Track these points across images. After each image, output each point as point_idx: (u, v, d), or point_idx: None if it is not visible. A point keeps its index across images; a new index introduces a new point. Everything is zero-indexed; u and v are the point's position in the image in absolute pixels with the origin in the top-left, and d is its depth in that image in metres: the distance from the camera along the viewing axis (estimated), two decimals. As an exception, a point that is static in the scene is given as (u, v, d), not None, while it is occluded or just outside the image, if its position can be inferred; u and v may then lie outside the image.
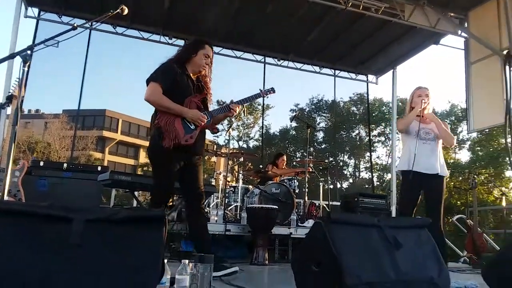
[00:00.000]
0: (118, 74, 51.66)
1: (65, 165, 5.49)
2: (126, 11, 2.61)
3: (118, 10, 2.55)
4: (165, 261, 1.74)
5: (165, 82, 2.87)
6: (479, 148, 18.59)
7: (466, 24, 7.19)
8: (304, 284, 1.91)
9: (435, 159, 3.45)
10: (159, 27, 7.98)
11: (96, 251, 1.46)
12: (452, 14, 7.16)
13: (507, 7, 5.82)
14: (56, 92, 40.59)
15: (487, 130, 13.14)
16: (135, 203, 6.87)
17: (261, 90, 3.33)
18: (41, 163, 5.37)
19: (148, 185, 4.93)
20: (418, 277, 1.80)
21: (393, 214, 7.81)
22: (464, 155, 18.31)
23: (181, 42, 8.33)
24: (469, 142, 18.81)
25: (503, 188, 16.00)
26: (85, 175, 5.45)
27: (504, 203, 6.81)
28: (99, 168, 5.87)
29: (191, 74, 3.08)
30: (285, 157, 7.23)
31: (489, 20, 6.75)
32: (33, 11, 7.30)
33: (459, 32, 7.25)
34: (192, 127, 2.91)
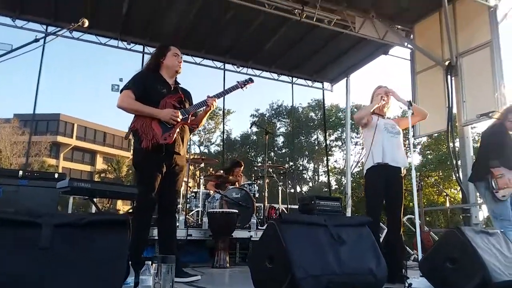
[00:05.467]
0: (73, 78, 50.21)
1: (20, 172, 5.36)
2: (86, 24, 2.65)
3: (79, 23, 2.58)
4: (129, 263, 1.85)
5: (137, 89, 2.95)
6: (429, 152, 19.67)
7: (412, 37, 7.74)
8: (259, 279, 2.09)
9: (402, 153, 3.52)
10: (116, 32, 7.95)
11: (63, 254, 1.56)
12: (399, 27, 7.69)
13: (448, 21, 6.33)
14: (6, 96, 38.75)
15: (435, 134, 13.97)
16: (93, 211, 6.79)
17: (238, 82, 3.23)
18: (-5, 171, 5.22)
19: (107, 192, 4.93)
20: (359, 269, 2.03)
21: (348, 215, 8.21)
22: (415, 158, 19.35)
23: (139, 48, 8.35)
24: (419, 146, 19.86)
25: (452, 190, 17.04)
26: (42, 183, 5.32)
27: (447, 204, 7.34)
28: (56, 176, 5.77)
29: (167, 79, 3.13)
30: (242, 168, 7.10)
31: (432, 33, 7.31)
32: (-17, 14, 7.10)
33: (406, 43, 7.79)
34: (170, 126, 2.93)
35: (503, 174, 3.68)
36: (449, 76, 6.88)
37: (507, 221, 3.64)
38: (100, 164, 34.04)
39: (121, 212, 22.14)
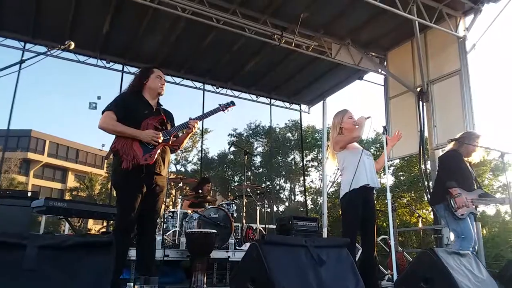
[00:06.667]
0: (48, 94, 49.22)
1: (-9, 191, 5.22)
2: (72, 46, 2.67)
3: (65, 45, 2.60)
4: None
5: (119, 110, 2.96)
6: (401, 173, 20.16)
7: (385, 63, 8.07)
8: (241, 301, 2.12)
9: (376, 174, 3.63)
10: (96, 51, 7.93)
11: (49, 276, 1.56)
12: (373, 54, 8.02)
13: (420, 50, 6.65)
14: (-26, 111, 37.50)
15: (407, 157, 14.40)
16: (66, 230, 6.62)
17: (220, 105, 3.24)
18: (-35, 189, 5.06)
19: (84, 211, 4.86)
20: (338, 290, 2.09)
21: (325, 235, 8.29)
22: (388, 180, 19.73)
23: (119, 67, 8.34)
24: (392, 168, 20.35)
25: (424, 211, 17.45)
26: (14, 201, 5.22)
27: (420, 225, 7.55)
28: (29, 194, 5.65)
29: (149, 100, 3.15)
30: (210, 185, 7.13)
31: (405, 60, 7.66)
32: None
33: (379, 70, 8.11)
34: (151, 146, 2.94)
35: (460, 193, 3.86)
36: (420, 102, 7.18)
37: (468, 239, 3.78)
38: (71, 181, 33.08)
39: (92, 231, 21.52)
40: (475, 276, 2.64)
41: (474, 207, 3.92)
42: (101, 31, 7.20)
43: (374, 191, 3.65)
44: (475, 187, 4.08)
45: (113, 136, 2.98)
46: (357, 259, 4.48)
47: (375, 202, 3.69)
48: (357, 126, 3.63)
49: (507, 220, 16.56)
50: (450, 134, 6.54)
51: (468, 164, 4.18)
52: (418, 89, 7.24)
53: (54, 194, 31.49)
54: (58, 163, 33.93)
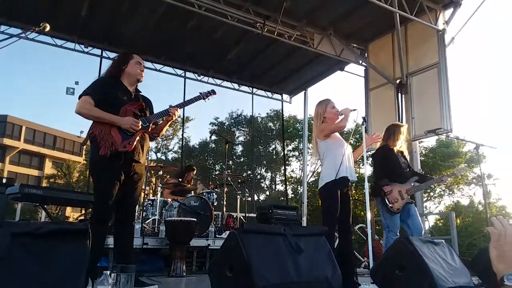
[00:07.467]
0: (24, 78, 47.74)
1: (-37, 177, 5.06)
2: (47, 28, 2.57)
3: (40, 27, 2.51)
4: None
5: (96, 95, 2.89)
6: (379, 164, 20.51)
7: (366, 55, 8.13)
8: (219, 288, 2.14)
9: (353, 166, 3.71)
10: (74, 35, 7.70)
11: (22, 264, 1.53)
12: (354, 45, 8.06)
13: (400, 42, 6.72)
14: None
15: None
16: (43, 217, 6.51)
17: (201, 93, 3.29)
18: None
19: (61, 199, 4.78)
20: (316, 277, 2.13)
21: (304, 224, 8.40)
22: (366, 170, 20.01)
23: (97, 52, 8.13)
24: (371, 158, 20.66)
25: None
26: (-13, 188, 5.07)
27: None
28: (4, 181, 5.51)
29: (128, 86, 3.08)
30: (194, 172, 7.18)
31: (385, 52, 7.72)
32: None
33: (360, 61, 8.17)
34: (130, 133, 2.88)
35: (391, 190, 4.11)
36: (399, 94, 7.28)
37: (392, 232, 4.10)
38: (48, 168, 32.41)
39: (70, 219, 21.25)
40: (448, 264, 2.72)
41: (409, 197, 4.14)
42: (79, 14, 6.99)
43: (351, 183, 3.72)
44: (409, 176, 4.26)
45: (91, 122, 2.92)
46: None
47: (354, 192, 3.78)
48: (340, 116, 3.65)
49: (480, 210, 17.09)
50: (428, 125, 6.68)
51: (400, 154, 4.38)
52: (398, 81, 7.33)
53: (31, 181, 30.85)
54: (35, 150, 33.17)
